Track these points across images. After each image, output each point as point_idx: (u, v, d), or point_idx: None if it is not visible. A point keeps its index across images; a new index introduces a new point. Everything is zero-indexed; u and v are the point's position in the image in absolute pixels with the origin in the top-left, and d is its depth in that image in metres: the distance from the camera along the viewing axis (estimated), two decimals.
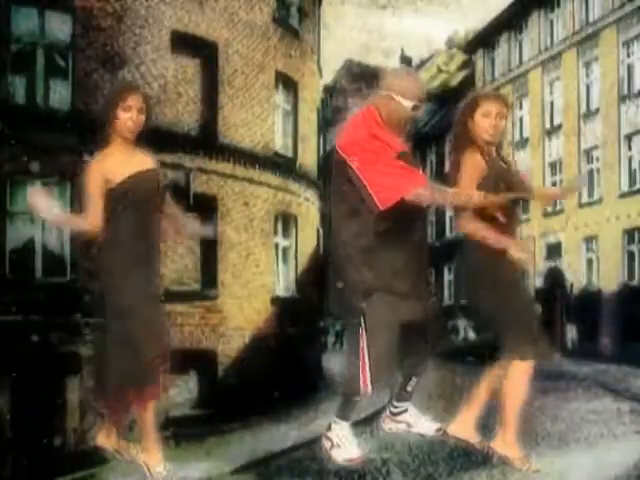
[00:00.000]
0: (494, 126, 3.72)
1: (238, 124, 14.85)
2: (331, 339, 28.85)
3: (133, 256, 3.62)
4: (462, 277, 3.93)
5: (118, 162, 3.67)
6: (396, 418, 3.90)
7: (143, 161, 3.76)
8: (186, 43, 13.92)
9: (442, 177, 4.01)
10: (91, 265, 3.65)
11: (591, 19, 24.09)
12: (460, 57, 35.90)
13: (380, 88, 3.62)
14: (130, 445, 3.79)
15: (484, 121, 3.72)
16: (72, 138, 11.73)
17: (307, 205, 17.23)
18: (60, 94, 12.93)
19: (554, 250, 25.34)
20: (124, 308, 3.57)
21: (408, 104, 3.56)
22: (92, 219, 3.61)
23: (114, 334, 3.61)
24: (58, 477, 8.70)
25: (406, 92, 3.55)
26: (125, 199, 3.62)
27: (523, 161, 26.97)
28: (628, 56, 22.74)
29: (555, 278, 25.14)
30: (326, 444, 3.74)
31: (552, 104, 26.17)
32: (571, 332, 23.92)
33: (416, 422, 3.87)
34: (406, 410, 3.88)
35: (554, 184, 25.99)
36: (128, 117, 3.67)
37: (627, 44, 22.72)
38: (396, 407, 3.90)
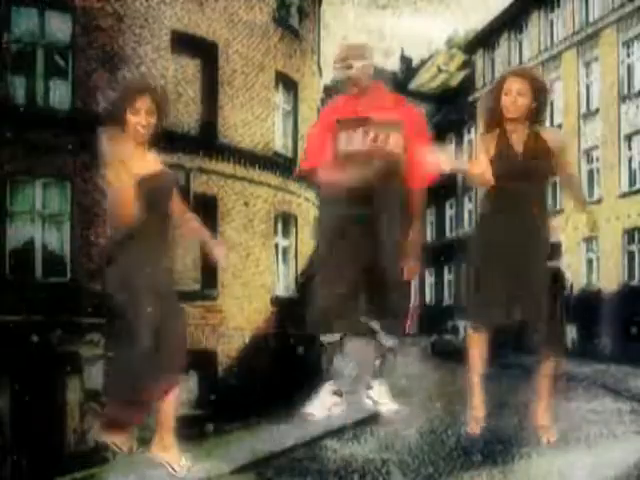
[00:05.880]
0: (512, 103, 3.82)
1: (238, 124, 14.84)
2: None
3: (144, 254, 3.54)
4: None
5: (132, 162, 3.53)
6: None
7: (155, 163, 3.68)
8: (186, 43, 13.91)
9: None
10: (94, 264, 3.61)
11: (591, 19, 24.08)
12: (460, 57, 35.86)
13: None
14: (136, 444, 3.73)
15: (505, 99, 3.85)
16: (72, 138, 11.73)
17: (307, 205, 17.21)
18: (60, 94, 12.92)
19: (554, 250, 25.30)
20: (137, 305, 3.48)
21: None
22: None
23: (127, 333, 3.50)
24: (58, 477, 8.69)
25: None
26: (138, 199, 3.50)
27: None
28: (628, 56, 22.72)
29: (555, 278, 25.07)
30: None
31: (552, 104, 26.12)
32: (571, 332, 23.90)
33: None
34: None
35: (554, 183, 25.96)
36: (137, 121, 3.54)
37: (627, 44, 22.70)
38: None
